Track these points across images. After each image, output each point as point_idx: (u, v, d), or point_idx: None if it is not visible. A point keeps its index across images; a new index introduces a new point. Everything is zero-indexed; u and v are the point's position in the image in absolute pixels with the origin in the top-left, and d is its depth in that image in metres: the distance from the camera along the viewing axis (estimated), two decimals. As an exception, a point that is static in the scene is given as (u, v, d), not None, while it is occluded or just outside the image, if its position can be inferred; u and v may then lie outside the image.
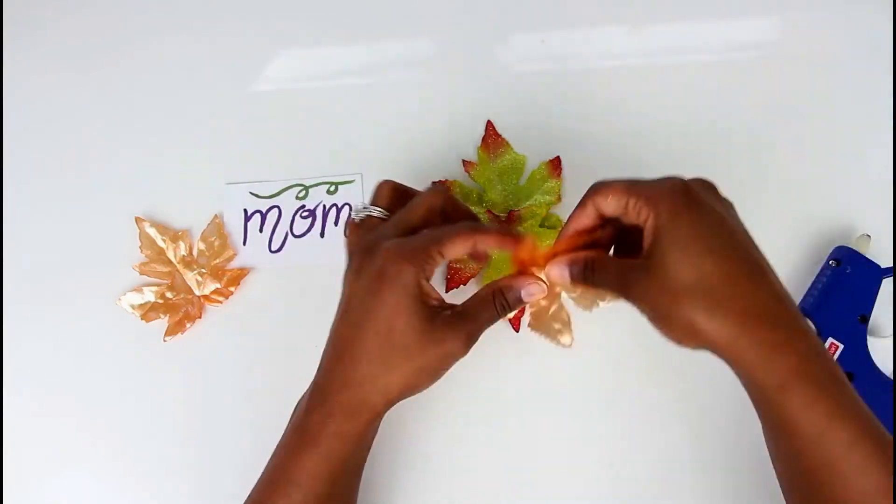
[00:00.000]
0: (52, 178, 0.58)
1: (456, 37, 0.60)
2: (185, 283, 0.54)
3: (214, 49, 0.61)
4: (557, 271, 0.40)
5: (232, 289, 0.53)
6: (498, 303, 0.40)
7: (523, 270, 0.41)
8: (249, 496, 0.41)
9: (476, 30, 0.60)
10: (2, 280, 0.55)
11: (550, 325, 0.44)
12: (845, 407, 0.35)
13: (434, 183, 0.41)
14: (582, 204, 0.40)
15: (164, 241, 0.54)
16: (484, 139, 0.56)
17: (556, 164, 0.55)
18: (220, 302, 0.53)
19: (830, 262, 0.50)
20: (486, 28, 0.60)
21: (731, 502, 0.47)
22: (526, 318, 0.50)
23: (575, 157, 0.55)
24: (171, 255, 0.54)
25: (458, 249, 0.39)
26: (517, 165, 0.55)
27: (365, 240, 0.40)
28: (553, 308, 0.44)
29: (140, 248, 0.54)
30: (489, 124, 0.56)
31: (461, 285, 0.52)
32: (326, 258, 0.53)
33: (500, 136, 0.56)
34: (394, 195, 0.43)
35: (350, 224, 0.43)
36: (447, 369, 0.40)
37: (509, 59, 0.59)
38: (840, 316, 0.48)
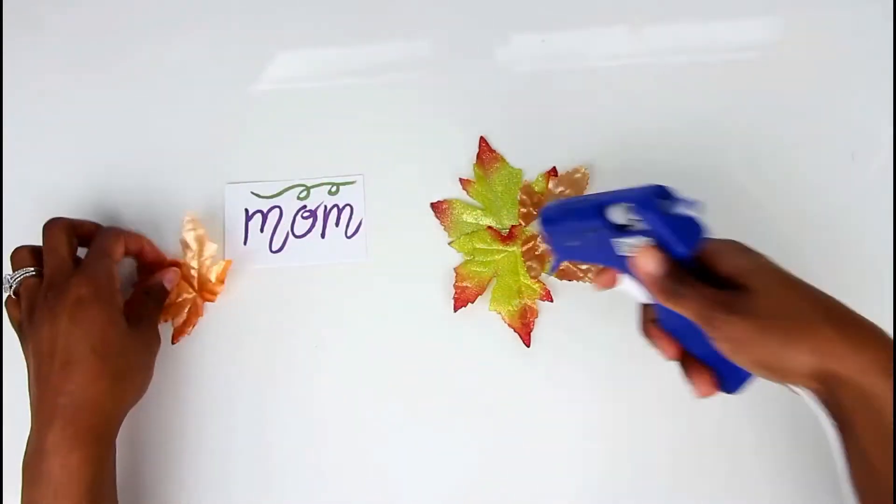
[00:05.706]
0: (52, 177, 0.57)
1: (456, 37, 0.60)
2: (185, 283, 0.53)
3: (214, 49, 0.60)
4: (652, 263, 0.37)
5: (219, 287, 0.52)
6: (153, 299, 0.49)
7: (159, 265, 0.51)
8: None
9: (476, 30, 0.60)
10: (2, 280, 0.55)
11: (575, 271, 0.51)
12: None
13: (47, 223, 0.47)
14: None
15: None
16: (478, 156, 0.55)
17: (553, 175, 0.54)
18: (212, 300, 0.52)
19: None
20: (486, 28, 0.60)
21: None
22: (538, 324, 0.51)
23: (574, 157, 0.55)
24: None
25: (119, 248, 0.47)
26: (514, 179, 0.54)
27: (39, 293, 0.43)
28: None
29: (140, 248, 0.54)
30: (482, 140, 0.55)
31: (469, 303, 0.51)
32: (327, 259, 0.53)
33: (493, 151, 0.55)
34: (31, 253, 0.46)
35: (9, 298, 0.46)
36: (153, 363, 0.47)
37: (509, 59, 0.59)
38: None
